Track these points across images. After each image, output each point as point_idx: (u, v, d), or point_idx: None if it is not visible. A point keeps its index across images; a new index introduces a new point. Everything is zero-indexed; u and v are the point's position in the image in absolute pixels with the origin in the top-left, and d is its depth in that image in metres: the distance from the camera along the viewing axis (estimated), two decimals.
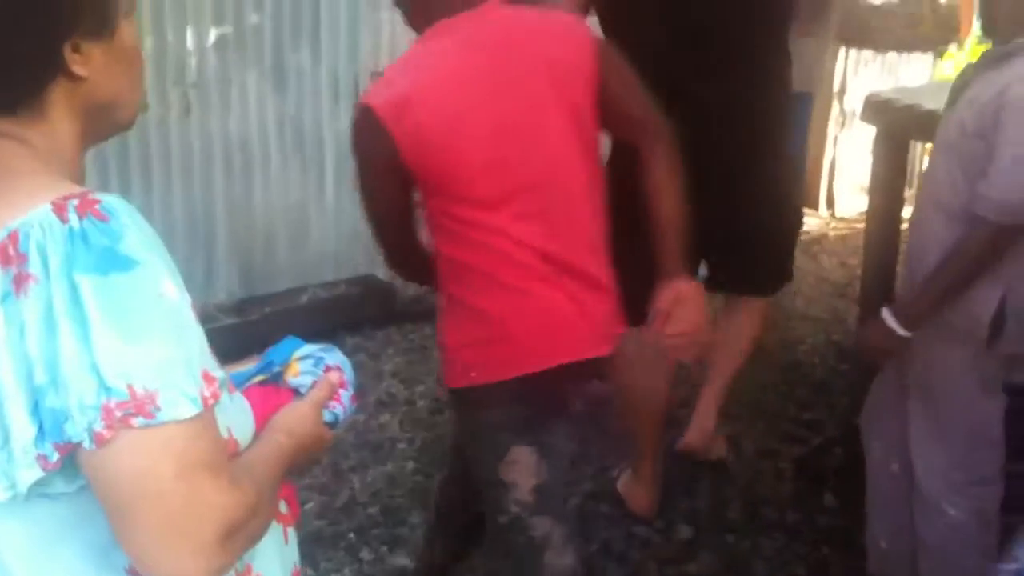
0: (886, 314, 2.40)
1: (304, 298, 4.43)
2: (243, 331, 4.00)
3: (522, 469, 2.12)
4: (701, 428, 3.45)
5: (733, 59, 2.99)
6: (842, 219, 6.13)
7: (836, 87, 6.10)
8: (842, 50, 6.06)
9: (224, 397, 1.10)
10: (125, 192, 4.08)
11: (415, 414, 3.69)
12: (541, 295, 2.08)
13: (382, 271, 4.66)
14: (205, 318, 3.79)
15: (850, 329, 4.24)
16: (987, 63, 2.44)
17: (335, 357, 1.45)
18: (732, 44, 2.99)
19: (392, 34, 4.55)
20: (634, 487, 3.22)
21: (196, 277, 4.28)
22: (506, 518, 2.15)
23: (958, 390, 2.45)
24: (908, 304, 2.42)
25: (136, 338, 0.97)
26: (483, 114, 2.02)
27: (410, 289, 4.51)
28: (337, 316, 4.36)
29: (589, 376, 2.19)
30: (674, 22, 2.94)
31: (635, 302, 2.21)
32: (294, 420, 1.30)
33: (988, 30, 2.53)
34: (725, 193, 3.08)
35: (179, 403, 0.99)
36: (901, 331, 2.38)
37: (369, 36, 4.53)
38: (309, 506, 3.19)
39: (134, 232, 1.01)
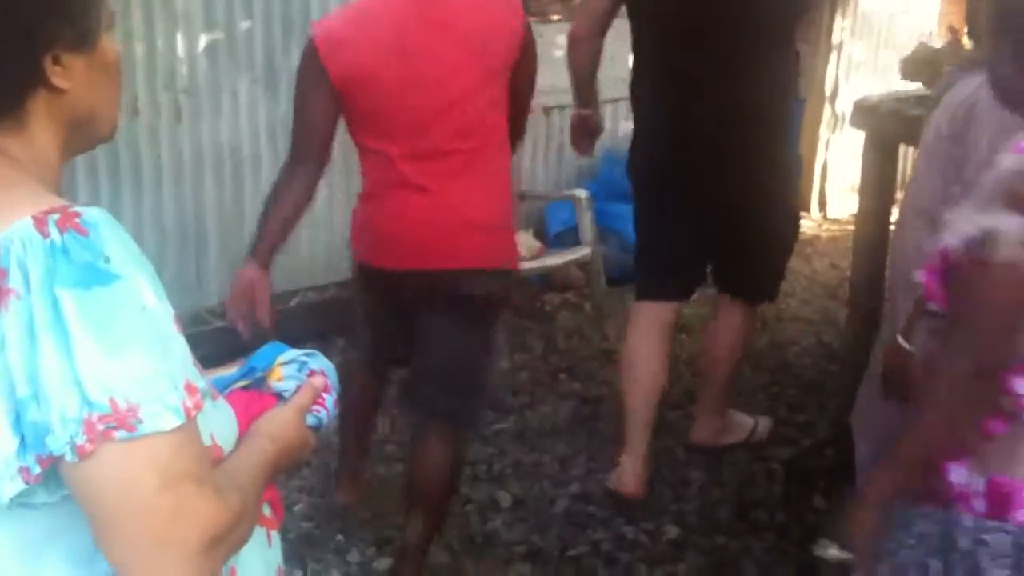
0: (900, 339, 2.30)
1: (294, 302, 4.45)
2: (234, 334, 3.99)
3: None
4: (710, 424, 3.52)
5: (745, 64, 3.05)
6: (834, 221, 6.16)
7: (828, 91, 6.12)
8: (834, 54, 6.09)
9: (207, 404, 1.11)
10: (115, 198, 4.09)
11: (402, 424, 3.69)
12: (415, 218, 2.59)
13: None
14: (196, 322, 3.82)
15: (841, 331, 4.25)
16: (968, 65, 2.46)
17: (319, 362, 1.46)
18: (743, 48, 3.04)
19: None
20: (624, 470, 3.25)
21: (187, 281, 4.29)
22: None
23: None
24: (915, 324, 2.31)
25: (118, 351, 0.98)
26: (397, 63, 2.48)
27: None
28: (328, 319, 4.36)
29: (451, 283, 2.64)
30: (688, 21, 3.04)
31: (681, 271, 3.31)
32: (277, 425, 1.30)
33: (969, 33, 2.55)
34: (732, 198, 3.15)
35: (162, 415, 0.99)
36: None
37: None
38: (298, 508, 3.20)
39: (115, 245, 1.01)
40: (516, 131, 2.79)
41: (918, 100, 3.31)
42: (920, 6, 6.63)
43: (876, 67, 6.28)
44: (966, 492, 1.64)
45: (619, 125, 5.21)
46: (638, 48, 3.23)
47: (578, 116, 3.36)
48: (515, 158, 2.97)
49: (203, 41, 4.24)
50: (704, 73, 3.06)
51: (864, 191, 3.71)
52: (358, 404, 3.08)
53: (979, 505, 1.64)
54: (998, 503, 1.62)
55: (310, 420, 1.38)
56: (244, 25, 4.33)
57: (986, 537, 1.62)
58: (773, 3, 3.11)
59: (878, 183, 3.67)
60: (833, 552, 1.98)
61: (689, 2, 3.07)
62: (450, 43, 2.51)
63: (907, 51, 3.72)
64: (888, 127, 3.42)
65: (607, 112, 4.52)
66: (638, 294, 3.39)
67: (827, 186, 6.27)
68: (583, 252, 4.62)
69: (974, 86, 2.33)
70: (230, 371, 1.40)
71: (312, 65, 2.51)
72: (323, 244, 4.61)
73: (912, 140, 3.37)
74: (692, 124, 3.12)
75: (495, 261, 2.69)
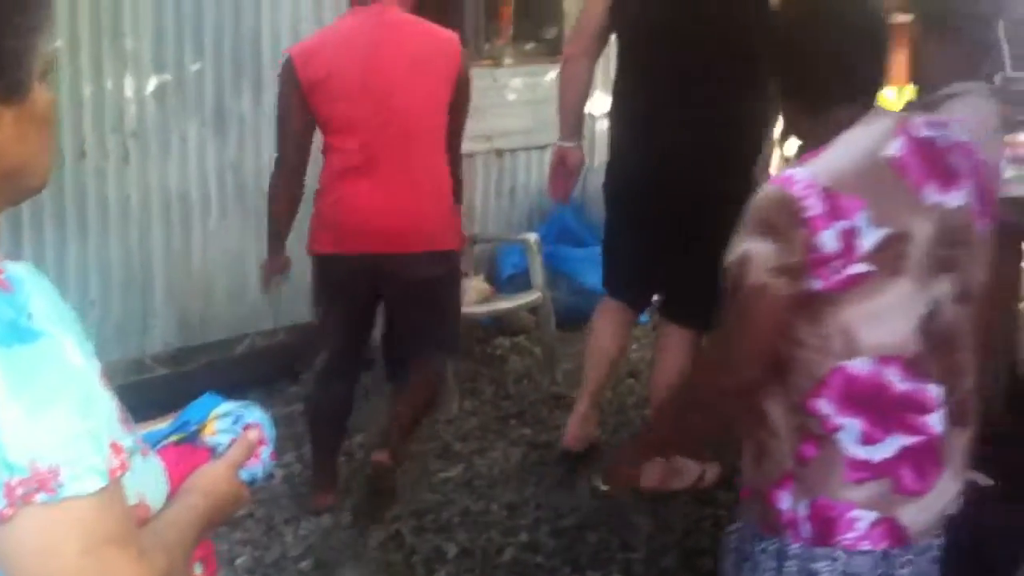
0: None
1: (242, 347, 4.39)
2: (178, 382, 3.96)
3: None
4: (657, 469, 3.48)
5: (724, 99, 3.13)
6: None
7: (777, 133, 6.20)
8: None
9: (135, 462, 1.09)
10: (60, 241, 4.04)
11: (352, 464, 3.66)
12: (364, 207, 3.13)
13: None
14: (140, 369, 3.76)
15: None
16: (912, 111, 2.50)
17: (254, 414, 1.44)
18: (722, 83, 3.13)
19: None
20: (567, 428, 3.72)
21: (132, 327, 4.23)
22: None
23: None
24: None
25: (40, 412, 0.96)
26: (354, 77, 3.07)
27: None
28: (276, 364, 4.33)
29: (406, 266, 3.17)
30: (669, 48, 3.19)
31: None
32: (209, 480, 1.28)
33: (917, 78, 2.59)
34: (688, 225, 3.22)
35: (84, 477, 0.97)
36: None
37: None
38: (240, 561, 3.14)
39: (39, 302, 0.99)
40: (454, 142, 3.30)
41: None
42: None
43: None
44: (793, 518, 1.69)
45: None
46: (621, 69, 3.32)
47: (559, 151, 3.48)
48: (466, 200, 3.56)
49: (152, 83, 4.22)
50: (680, 102, 3.15)
51: None
52: (331, 412, 3.40)
53: (806, 531, 1.68)
54: (823, 528, 1.67)
55: (244, 475, 1.36)
56: (194, 67, 4.31)
57: (814, 566, 1.67)
58: (755, 39, 3.16)
59: None
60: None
61: (670, 31, 3.16)
62: (400, 60, 3.10)
63: None
64: None
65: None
66: (606, 290, 3.69)
67: None
68: (533, 296, 4.63)
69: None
70: (162, 425, 1.38)
71: (288, 76, 3.14)
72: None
73: None
74: (663, 152, 3.24)
75: (443, 243, 3.26)
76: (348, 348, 3.37)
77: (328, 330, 3.33)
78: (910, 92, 2.67)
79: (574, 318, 4.50)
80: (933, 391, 1.68)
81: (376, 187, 3.13)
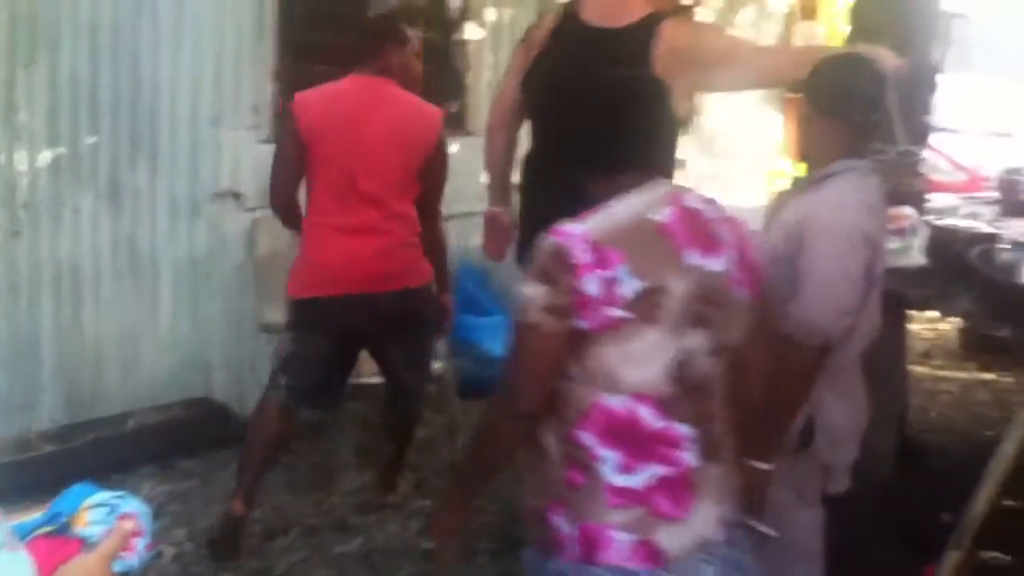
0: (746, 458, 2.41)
1: (132, 423, 4.28)
2: (65, 459, 3.85)
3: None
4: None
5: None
6: None
7: None
8: (679, 171, 6.32)
9: (1, 557, 1.06)
10: None
11: (247, 544, 3.58)
12: (338, 251, 3.51)
13: (217, 392, 4.58)
14: (24, 447, 3.64)
15: None
16: (800, 188, 2.59)
17: (131, 504, 1.42)
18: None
19: (234, 153, 4.56)
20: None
21: (17, 403, 4.10)
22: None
23: (774, 503, 2.50)
24: (760, 439, 2.38)
25: None
26: (344, 131, 3.47)
27: (246, 410, 4.43)
28: (169, 440, 4.24)
29: (374, 306, 3.51)
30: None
31: None
32: (79, 573, 1.25)
33: (803, 155, 2.68)
34: None
35: None
36: (764, 466, 2.38)
37: (210, 156, 4.53)
38: None
39: None
40: (429, 204, 3.69)
41: (758, 217, 3.44)
42: (764, 125, 6.98)
43: (722, 182, 6.57)
44: (565, 539, 1.88)
45: (471, 239, 5.26)
46: (531, 140, 3.37)
47: (489, 213, 3.56)
48: None
49: (46, 156, 4.15)
50: (564, 175, 3.19)
51: None
52: (270, 438, 3.58)
53: (576, 551, 1.87)
54: (590, 549, 1.86)
55: (118, 566, 1.33)
56: (89, 140, 4.25)
57: None
58: None
59: None
60: None
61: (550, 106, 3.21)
62: (384, 126, 3.49)
63: (752, 167, 3.91)
64: None
65: (460, 227, 4.60)
66: None
67: None
68: (436, 366, 4.61)
69: (808, 207, 2.45)
70: (33, 516, 1.35)
71: (289, 121, 3.56)
72: (167, 361, 4.49)
73: None
74: (559, 214, 3.25)
75: (416, 281, 3.64)
76: (326, 384, 3.70)
77: (307, 362, 3.59)
78: (801, 168, 2.75)
79: (477, 388, 4.49)
80: (683, 430, 1.89)
81: (350, 233, 3.49)
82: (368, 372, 4.17)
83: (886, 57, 2.85)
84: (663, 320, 1.85)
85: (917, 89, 3.74)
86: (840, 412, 2.53)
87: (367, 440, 4.46)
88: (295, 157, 3.52)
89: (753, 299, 2.00)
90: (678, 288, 1.86)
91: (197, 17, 4.40)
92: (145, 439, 4.21)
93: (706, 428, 1.92)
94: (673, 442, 1.87)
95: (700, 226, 1.93)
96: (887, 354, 3.09)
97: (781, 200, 2.69)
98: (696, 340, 1.89)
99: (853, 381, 2.59)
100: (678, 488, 1.87)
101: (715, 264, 1.93)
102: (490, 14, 5.51)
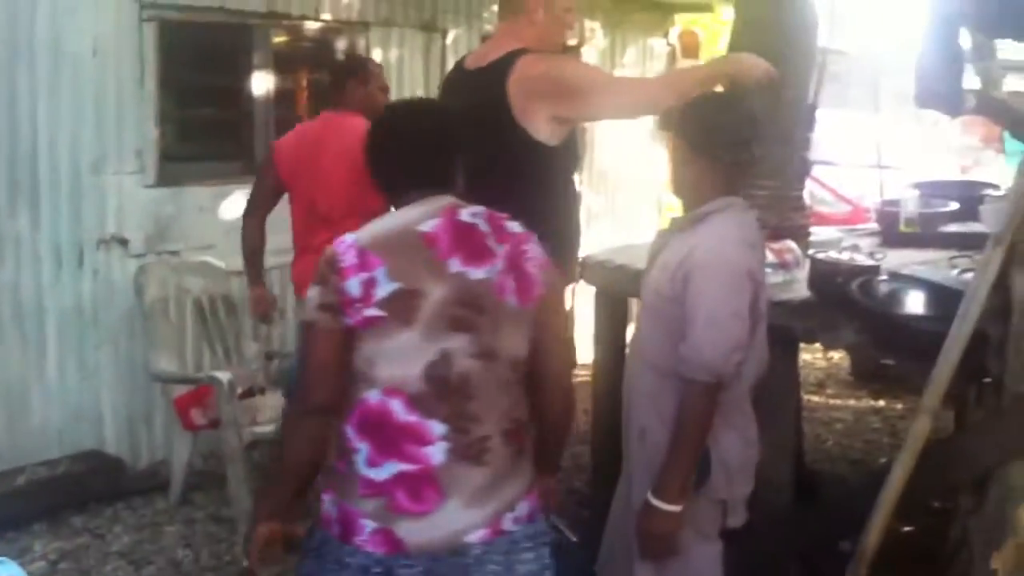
0: (653, 500, 2.43)
1: (21, 479, 4.13)
2: None
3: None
4: None
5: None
6: (583, 366, 6.32)
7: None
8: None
9: None
10: None
11: None
12: (301, 269, 3.94)
13: (109, 444, 4.45)
14: None
15: (590, 477, 4.33)
16: (678, 227, 2.62)
17: (9, 570, 1.37)
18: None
19: (119, 198, 4.47)
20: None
21: None
22: None
23: (674, 539, 2.51)
24: (666, 481, 2.43)
25: None
26: (307, 165, 3.96)
27: (140, 462, 4.33)
28: (59, 495, 4.11)
29: None
30: None
31: None
32: None
33: (679, 192, 2.71)
34: None
35: None
36: (672, 507, 2.41)
37: (93, 202, 4.43)
38: None
39: None
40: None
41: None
42: (656, 159, 7.08)
43: (615, 216, 6.67)
44: (330, 518, 2.05)
45: None
46: None
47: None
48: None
49: None
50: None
51: (598, 341, 3.86)
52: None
53: (336, 529, 2.04)
54: (344, 528, 2.02)
55: None
56: None
57: (345, 559, 2.02)
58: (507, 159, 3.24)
59: (610, 334, 3.83)
60: None
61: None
62: (338, 151, 3.84)
63: (641, 199, 3.97)
64: (615, 281, 3.58)
65: None
66: None
67: (574, 334, 6.46)
68: None
69: (689, 246, 2.49)
70: None
71: (268, 157, 4.17)
72: (56, 416, 4.35)
73: (638, 293, 3.56)
74: None
75: None
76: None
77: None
78: (678, 206, 2.78)
79: None
80: (435, 427, 2.01)
81: (312, 252, 3.57)
82: (263, 420, 4.10)
83: (756, 65, 2.92)
84: (418, 321, 2.00)
85: (796, 126, 3.84)
86: (735, 446, 2.56)
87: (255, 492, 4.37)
88: (268, 188, 4.09)
89: (530, 309, 2.10)
90: (436, 292, 2.01)
91: (75, 62, 4.32)
92: (36, 495, 4.07)
93: (463, 428, 2.03)
94: (421, 438, 2.01)
95: (469, 237, 2.08)
96: (779, 386, 3.14)
97: (661, 239, 2.71)
98: (456, 342, 2.03)
99: (745, 415, 2.62)
100: (419, 485, 2.00)
101: (479, 272, 2.05)
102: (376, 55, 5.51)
